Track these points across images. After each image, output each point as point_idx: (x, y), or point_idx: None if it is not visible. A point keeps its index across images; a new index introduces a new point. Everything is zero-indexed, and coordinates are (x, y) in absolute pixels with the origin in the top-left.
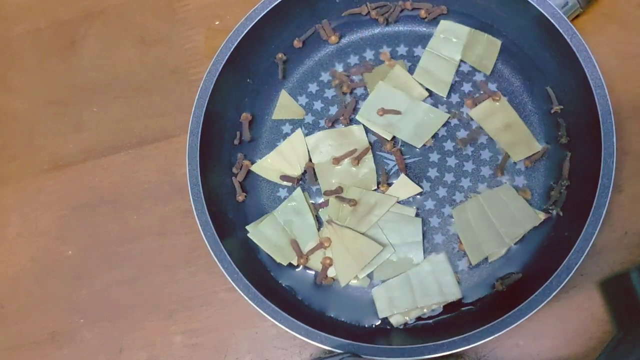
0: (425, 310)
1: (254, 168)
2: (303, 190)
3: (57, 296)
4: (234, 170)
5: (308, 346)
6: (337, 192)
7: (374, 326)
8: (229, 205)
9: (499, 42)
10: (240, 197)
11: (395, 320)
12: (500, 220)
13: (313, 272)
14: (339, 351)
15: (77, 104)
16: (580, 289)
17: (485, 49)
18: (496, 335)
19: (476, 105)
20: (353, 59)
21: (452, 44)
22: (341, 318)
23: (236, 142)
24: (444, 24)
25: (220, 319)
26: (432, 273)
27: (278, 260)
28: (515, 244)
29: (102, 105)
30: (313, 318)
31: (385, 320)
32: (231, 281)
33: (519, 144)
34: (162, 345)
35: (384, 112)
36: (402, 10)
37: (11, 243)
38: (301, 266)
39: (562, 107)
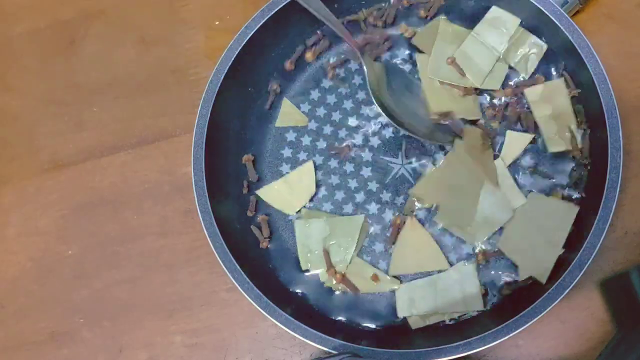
0: (445, 317)
1: (260, 192)
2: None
3: (57, 296)
4: (249, 213)
5: (308, 346)
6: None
7: (376, 328)
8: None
9: (544, 46)
10: (264, 244)
11: (414, 322)
12: (545, 229)
13: (318, 272)
14: (337, 352)
15: (77, 104)
16: (580, 289)
17: (529, 51)
18: (509, 335)
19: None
20: (353, 65)
21: (498, 33)
22: (342, 319)
23: (244, 190)
24: (495, 10)
25: (220, 319)
26: (459, 282)
27: (302, 264)
28: None
29: (102, 105)
30: (313, 318)
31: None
32: (233, 280)
33: (561, 136)
34: (162, 345)
35: (452, 61)
36: (397, 10)
37: (11, 243)
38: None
39: (579, 90)
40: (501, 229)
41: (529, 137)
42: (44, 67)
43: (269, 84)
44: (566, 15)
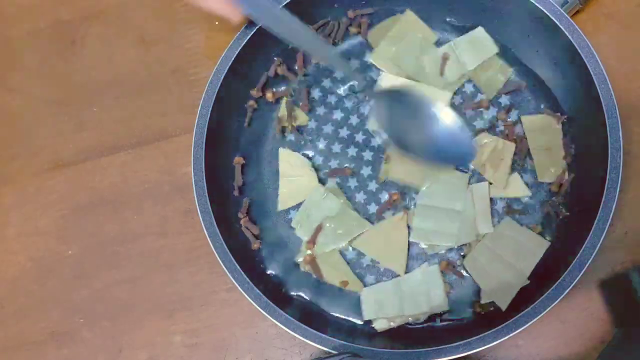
0: (410, 319)
1: (281, 207)
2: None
3: (57, 296)
4: (240, 215)
5: (308, 346)
6: None
7: (376, 328)
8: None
9: (510, 71)
10: (255, 245)
11: (379, 325)
12: (513, 257)
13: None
14: (337, 352)
15: (77, 104)
16: (580, 289)
17: (496, 73)
18: (509, 335)
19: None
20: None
21: (474, 53)
22: (342, 319)
23: (236, 193)
24: (480, 31)
25: (220, 318)
26: (423, 283)
27: (294, 222)
28: None
29: (102, 105)
30: (314, 318)
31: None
32: (233, 280)
33: (550, 168)
34: (162, 345)
35: None
36: (347, 29)
37: (11, 243)
38: (303, 259)
39: (566, 116)
40: (469, 248)
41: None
42: (44, 67)
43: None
44: (566, 15)
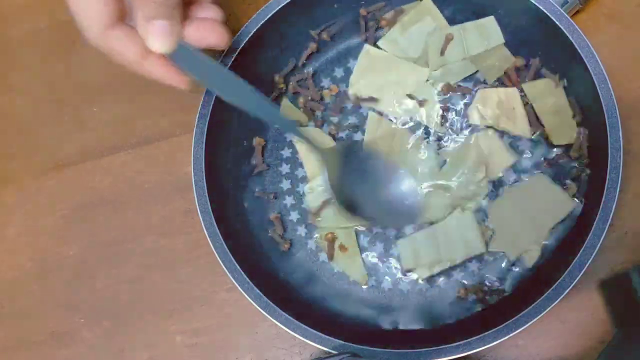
0: (449, 263)
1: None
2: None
3: (57, 296)
4: (273, 219)
5: (308, 346)
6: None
7: (379, 328)
8: (232, 203)
9: (512, 60)
10: (285, 246)
11: (421, 273)
12: (536, 211)
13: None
14: (337, 352)
15: (77, 104)
16: (580, 289)
17: (499, 60)
18: (509, 335)
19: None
20: (353, 63)
21: (480, 40)
22: (342, 319)
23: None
24: (490, 21)
25: (220, 318)
26: (459, 228)
27: (306, 198)
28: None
29: (102, 105)
30: (313, 318)
31: (381, 326)
32: (233, 280)
33: (562, 130)
34: (162, 345)
35: None
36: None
37: (11, 243)
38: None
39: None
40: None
41: (511, 159)
42: (44, 67)
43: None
44: (566, 15)
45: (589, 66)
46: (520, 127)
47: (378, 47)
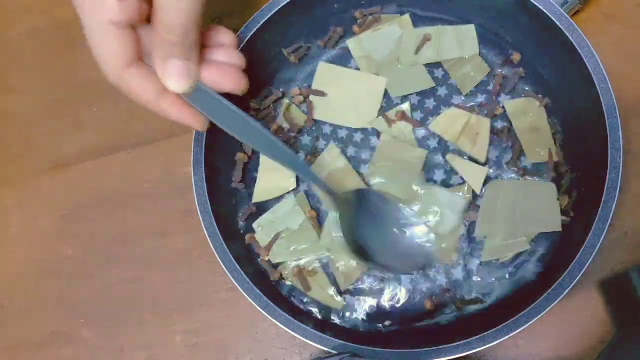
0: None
1: (255, 199)
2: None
3: (57, 296)
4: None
5: (308, 346)
6: None
7: (376, 329)
8: (231, 204)
9: (488, 69)
10: (265, 257)
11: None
12: (525, 212)
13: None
14: (337, 352)
15: (77, 104)
16: (580, 289)
17: (473, 70)
18: (509, 335)
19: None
20: (353, 64)
21: (456, 46)
22: (342, 319)
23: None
24: (469, 29)
25: (220, 319)
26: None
27: (257, 235)
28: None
29: (102, 105)
30: (313, 318)
31: (381, 326)
32: (233, 280)
33: (537, 149)
34: (162, 345)
35: None
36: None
37: (11, 243)
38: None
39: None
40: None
41: (484, 170)
42: (44, 67)
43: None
44: (566, 15)
45: (589, 66)
46: (478, 151)
47: (342, 50)
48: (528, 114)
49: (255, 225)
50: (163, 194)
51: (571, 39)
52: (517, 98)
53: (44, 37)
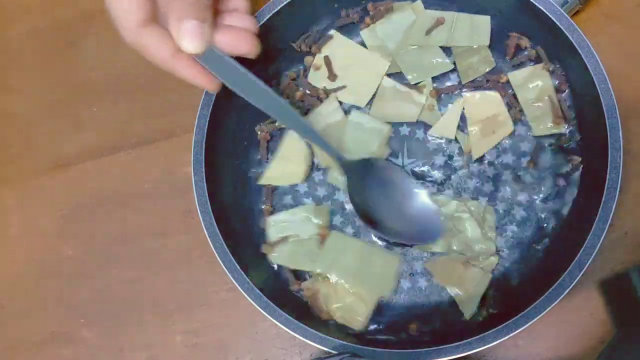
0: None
1: (262, 181)
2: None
3: (57, 296)
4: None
5: (308, 346)
6: None
7: (375, 329)
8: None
9: (493, 63)
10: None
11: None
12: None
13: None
14: (337, 352)
15: (77, 104)
16: (580, 289)
17: (479, 62)
18: (509, 335)
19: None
20: None
21: (467, 36)
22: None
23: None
24: (484, 20)
25: (220, 319)
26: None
27: (268, 229)
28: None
29: (102, 105)
30: (313, 318)
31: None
32: (233, 280)
33: (546, 119)
34: (162, 345)
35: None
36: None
37: (11, 243)
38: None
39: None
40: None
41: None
42: (44, 67)
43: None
44: (566, 15)
45: (589, 66)
46: (480, 145)
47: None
48: (533, 81)
49: (269, 220)
50: (163, 194)
51: (571, 39)
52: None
53: (44, 37)
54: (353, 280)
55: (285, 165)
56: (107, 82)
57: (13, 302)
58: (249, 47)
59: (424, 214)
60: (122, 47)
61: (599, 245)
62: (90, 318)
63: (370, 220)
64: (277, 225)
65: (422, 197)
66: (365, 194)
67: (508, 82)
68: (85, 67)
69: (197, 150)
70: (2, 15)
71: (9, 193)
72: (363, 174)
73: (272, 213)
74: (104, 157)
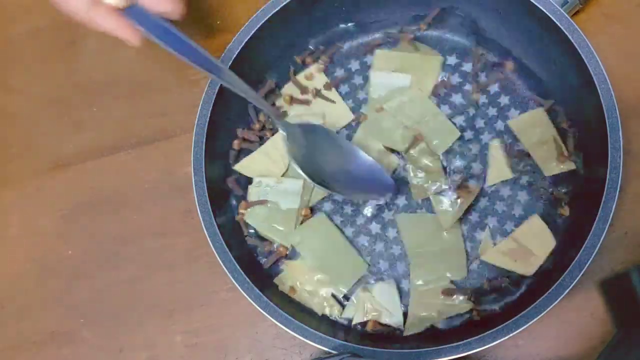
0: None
1: (237, 167)
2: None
3: (57, 296)
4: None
5: (308, 346)
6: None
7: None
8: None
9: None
10: (242, 209)
11: None
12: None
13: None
14: (337, 352)
15: (77, 104)
16: (580, 289)
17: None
18: (509, 335)
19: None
20: (353, 65)
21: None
22: (342, 319)
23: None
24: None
25: (220, 319)
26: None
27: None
28: None
29: (102, 105)
30: (313, 318)
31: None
32: (233, 280)
33: (552, 161)
34: (162, 345)
35: None
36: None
37: (11, 243)
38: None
39: (553, 101)
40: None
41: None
42: (44, 67)
43: (268, 82)
44: (566, 15)
45: (589, 66)
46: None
47: None
48: (535, 126)
49: (255, 180)
50: (163, 194)
51: (571, 39)
52: (522, 113)
53: (44, 37)
54: (316, 263)
55: (263, 159)
56: (107, 82)
57: (13, 302)
58: (171, 6)
59: (369, 170)
60: (122, 47)
61: (599, 245)
62: (90, 318)
63: (319, 181)
64: (260, 187)
65: (363, 155)
66: (309, 155)
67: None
68: (85, 67)
69: (197, 150)
70: (2, 15)
71: (9, 193)
72: (305, 136)
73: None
74: (104, 157)
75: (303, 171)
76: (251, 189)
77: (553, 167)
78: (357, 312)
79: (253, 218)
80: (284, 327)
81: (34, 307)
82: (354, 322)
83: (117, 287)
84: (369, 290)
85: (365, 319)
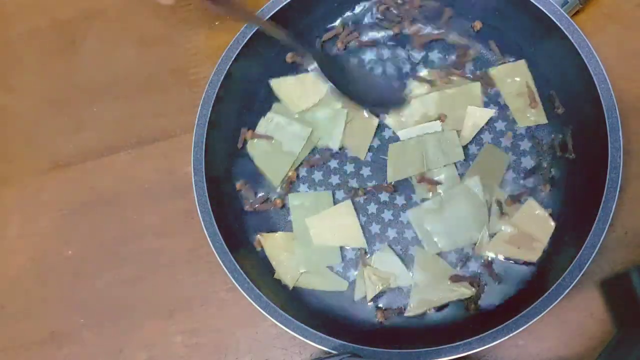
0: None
1: (273, 82)
2: None
3: (57, 296)
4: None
5: (308, 346)
6: None
7: (375, 328)
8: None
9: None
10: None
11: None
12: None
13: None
14: (337, 352)
15: (77, 104)
16: (580, 289)
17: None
18: (509, 335)
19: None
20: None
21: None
22: (342, 319)
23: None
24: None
25: (220, 319)
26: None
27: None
28: None
29: (102, 105)
30: (313, 318)
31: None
32: (233, 280)
33: (526, 113)
34: (162, 345)
35: None
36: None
37: (11, 243)
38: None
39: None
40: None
41: (489, 112)
42: (44, 67)
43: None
44: (566, 15)
45: (589, 66)
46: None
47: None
48: (514, 77)
49: (269, 115)
50: (163, 194)
51: (571, 39)
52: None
53: (44, 37)
54: (297, 230)
55: (296, 84)
56: (107, 82)
57: (13, 302)
58: None
59: (388, 80)
60: (122, 47)
61: (599, 245)
62: (90, 318)
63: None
64: (270, 123)
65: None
66: (337, 72)
67: None
68: (85, 67)
69: (197, 150)
70: (2, 15)
71: (9, 193)
72: (332, 59)
73: None
74: (104, 157)
75: (338, 88)
76: (261, 122)
77: (526, 118)
78: (367, 289)
79: (255, 149)
80: (284, 327)
81: (34, 307)
82: (368, 299)
83: (118, 287)
84: (369, 264)
85: (377, 290)
